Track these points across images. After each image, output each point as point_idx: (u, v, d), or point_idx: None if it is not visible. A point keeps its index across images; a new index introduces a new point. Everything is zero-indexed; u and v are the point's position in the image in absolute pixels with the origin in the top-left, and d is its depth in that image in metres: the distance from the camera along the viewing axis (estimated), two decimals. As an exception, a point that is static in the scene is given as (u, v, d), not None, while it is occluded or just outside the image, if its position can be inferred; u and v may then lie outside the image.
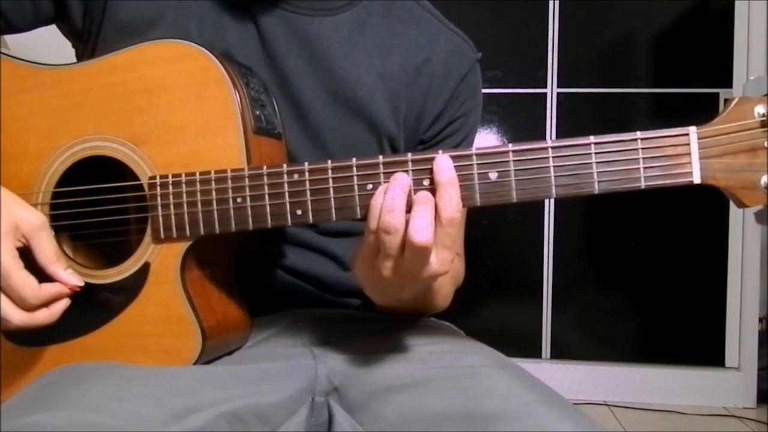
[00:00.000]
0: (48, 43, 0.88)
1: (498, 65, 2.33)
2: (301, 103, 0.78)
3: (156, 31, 0.75)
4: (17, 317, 0.65)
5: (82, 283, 0.68)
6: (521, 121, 2.34)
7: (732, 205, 2.10)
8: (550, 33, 2.33)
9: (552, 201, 2.34)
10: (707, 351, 2.31)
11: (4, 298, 0.65)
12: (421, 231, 0.57)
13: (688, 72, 2.28)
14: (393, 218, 0.58)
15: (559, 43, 2.32)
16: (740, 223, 2.28)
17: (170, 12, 0.76)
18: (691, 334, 2.32)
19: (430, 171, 0.61)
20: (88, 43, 0.79)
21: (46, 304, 0.67)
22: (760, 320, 2.29)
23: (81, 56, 0.82)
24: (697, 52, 2.29)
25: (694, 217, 2.30)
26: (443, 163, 0.60)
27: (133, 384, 0.60)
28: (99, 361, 0.69)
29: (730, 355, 2.30)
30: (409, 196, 0.60)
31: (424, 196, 0.59)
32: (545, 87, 2.33)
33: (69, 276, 0.68)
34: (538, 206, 2.35)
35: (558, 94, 2.33)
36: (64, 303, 0.68)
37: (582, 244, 2.40)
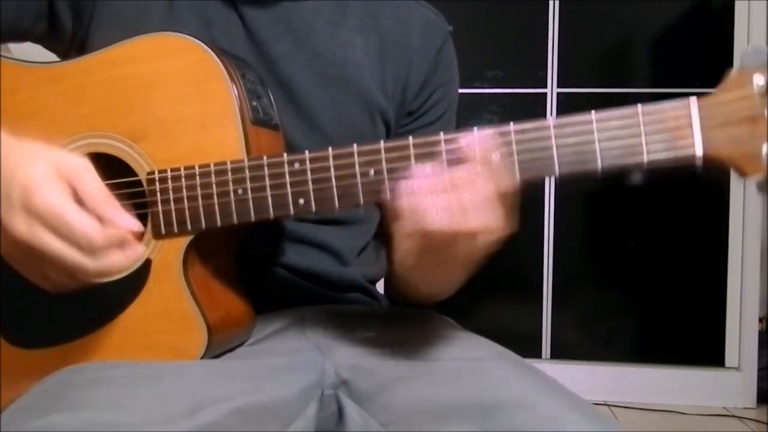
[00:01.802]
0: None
1: (498, 65, 2.32)
2: (292, 86, 0.78)
3: (142, 26, 0.73)
4: (91, 264, 0.57)
5: (141, 228, 0.61)
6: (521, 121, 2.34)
7: (732, 204, 2.10)
8: (550, 33, 2.32)
9: (552, 200, 2.34)
10: (707, 351, 2.31)
11: (70, 246, 0.56)
12: (435, 217, 0.57)
13: (688, 72, 2.28)
14: (430, 216, 0.57)
15: (559, 43, 2.32)
16: (740, 223, 2.28)
17: (155, 6, 0.76)
18: (691, 334, 2.31)
19: (435, 154, 0.60)
20: (74, 44, 0.79)
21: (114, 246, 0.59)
22: (760, 320, 2.28)
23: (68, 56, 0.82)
24: (697, 52, 2.29)
25: (694, 217, 2.30)
26: (481, 140, 0.60)
27: (145, 382, 0.60)
28: (104, 360, 0.68)
29: (730, 355, 2.30)
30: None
31: (462, 178, 0.58)
32: (545, 87, 2.33)
33: (121, 217, 0.59)
34: (538, 206, 2.35)
35: (558, 94, 2.33)
36: (139, 248, 0.60)
37: (582, 244, 2.40)
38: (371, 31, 0.82)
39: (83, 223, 0.56)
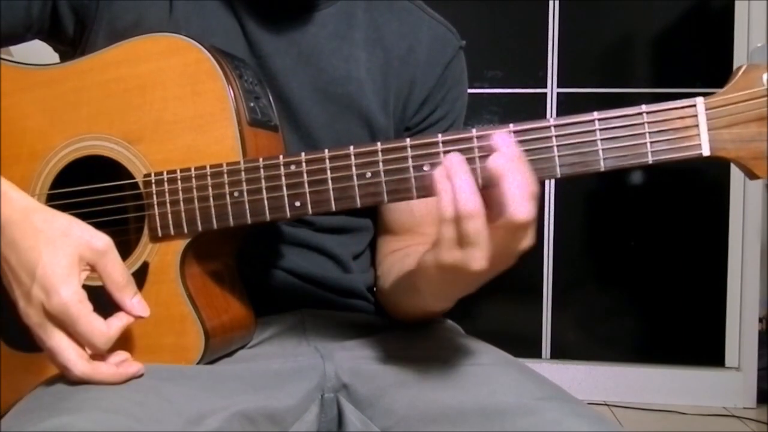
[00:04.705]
0: (42, 43, 0.87)
1: (498, 65, 2.32)
2: (291, 102, 0.77)
3: (142, 32, 0.73)
4: (80, 368, 0.58)
5: (147, 313, 0.61)
6: (521, 121, 2.33)
7: (732, 204, 2.09)
8: (550, 33, 2.32)
9: (552, 201, 2.34)
10: (707, 351, 2.30)
11: (72, 345, 0.58)
12: (523, 205, 0.54)
13: (688, 72, 2.28)
14: (472, 200, 0.54)
15: (559, 43, 2.32)
16: (740, 222, 2.28)
17: (155, 14, 0.75)
18: (691, 334, 2.31)
19: (433, 155, 0.59)
20: (77, 48, 0.78)
21: (112, 350, 0.60)
22: (760, 320, 2.28)
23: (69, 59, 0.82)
24: (697, 52, 2.29)
25: (694, 217, 2.30)
26: (504, 141, 0.57)
27: (149, 387, 0.60)
28: None
29: (730, 355, 2.30)
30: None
31: (509, 166, 0.54)
32: (545, 87, 2.33)
33: (135, 305, 0.61)
34: (537, 206, 2.34)
35: (558, 94, 2.33)
36: (133, 368, 0.61)
37: (582, 244, 2.39)
38: (376, 45, 0.81)
39: (91, 328, 0.58)
